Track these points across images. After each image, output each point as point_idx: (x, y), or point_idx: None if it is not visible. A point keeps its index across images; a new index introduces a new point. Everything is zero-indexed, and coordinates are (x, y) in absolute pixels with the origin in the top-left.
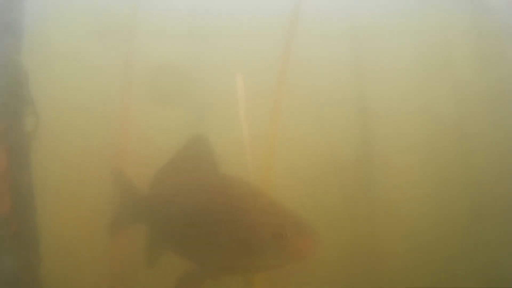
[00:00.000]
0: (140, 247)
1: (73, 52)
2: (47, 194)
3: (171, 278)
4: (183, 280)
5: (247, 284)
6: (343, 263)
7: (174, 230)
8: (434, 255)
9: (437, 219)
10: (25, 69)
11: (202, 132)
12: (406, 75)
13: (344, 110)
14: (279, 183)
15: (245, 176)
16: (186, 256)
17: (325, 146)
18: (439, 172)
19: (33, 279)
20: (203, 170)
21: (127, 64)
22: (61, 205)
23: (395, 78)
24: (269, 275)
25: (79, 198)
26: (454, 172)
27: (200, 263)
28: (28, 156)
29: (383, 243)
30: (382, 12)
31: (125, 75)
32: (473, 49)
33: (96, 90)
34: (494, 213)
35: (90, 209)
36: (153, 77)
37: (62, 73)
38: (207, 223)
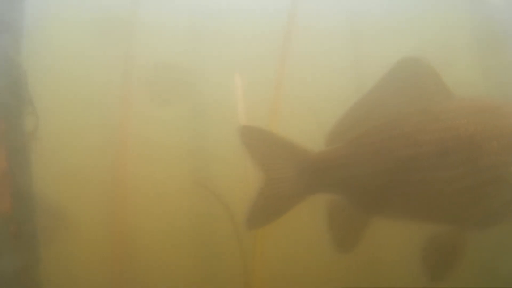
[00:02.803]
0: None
1: (73, 52)
2: (47, 194)
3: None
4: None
5: (247, 284)
6: (343, 264)
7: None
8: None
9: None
10: (25, 69)
11: (201, 131)
12: None
13: (344, 110)
14: None
15: (244, 177)
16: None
17: (324, 147)
18: None
19: (33, 279)
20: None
21: (127, 64)
22: (61, 205)
23: None
24: (269, 275)
25: (79, 198)
26: None
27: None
28: (28, 156)
29: (383, 243)
30: (382, 12)
31: (125, 75)
32: (473, 49)
33: (96, 89)
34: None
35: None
36: (153, 76)
37: (62, 73)
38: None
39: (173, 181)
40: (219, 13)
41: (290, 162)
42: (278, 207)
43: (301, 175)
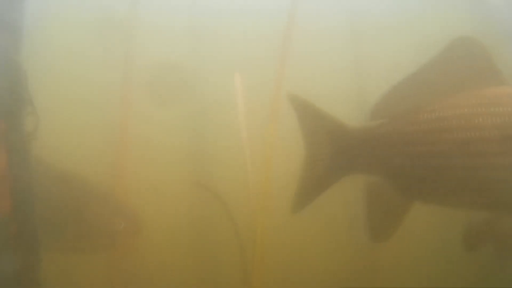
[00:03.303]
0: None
1: (73, 52)
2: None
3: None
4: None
5: (246, 284)
6: (343, 265)
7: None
8: (434, 257)
9: (437, 221)
10: (25, 69)
11: (200, 130)
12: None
13: (344, 110)
14: (278, 183)
15: (244, 177)
16: (449, 204)
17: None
18: None
19: (33, 279)
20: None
21: (127, 64)
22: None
23: (395, 78)
24: (268, 275)
25: None
26: None
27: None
28: (28, 156)
29: (383, 244)
30: (382, 11)
31: (125, 75)
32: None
33: (96, 90)
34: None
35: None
36: (152, 76)
37: (62, 73)
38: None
39: (173, 182)
40: (219, 13)
41: (327, 137)
42: (314, 186)
43: (337, 152)
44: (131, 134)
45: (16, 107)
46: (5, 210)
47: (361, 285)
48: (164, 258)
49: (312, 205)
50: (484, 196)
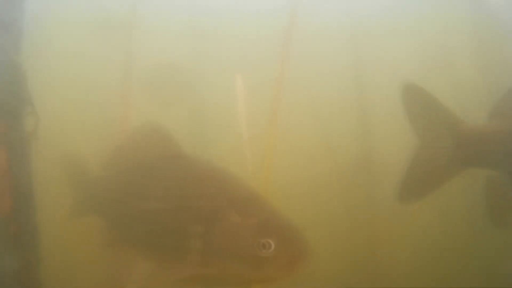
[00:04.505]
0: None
1: (73, 52)
2: (47, 194)
3: None
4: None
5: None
6: (343, 266)
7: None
8: (434, 258)
9: (438, 221)
10: (25, 69)
11: (200, 131)
12: (406, 75)
13: (343, 111)
14: (278, 184)
15: (244, 177)
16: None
17: (324, 147)
18: None
19: (33, 279)
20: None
21: (127, 64)
22: (61, 205)
23: (395, 79)
24: None
25: None
26: None
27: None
28: (28, 156)
29: (383, 246)
30: (382, 12)
31: (125, 75)
32: (473, 49)
33: (96, 90)
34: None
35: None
36: (152, 77)
37: (62, 73)
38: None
39: None
40: (219, 14)
41: (448, 131)
42: (431, 179)
43: (459, 146)
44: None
45: (16, 107)
46: (5, 210)
47: (361, 279)
48: None
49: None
50: None
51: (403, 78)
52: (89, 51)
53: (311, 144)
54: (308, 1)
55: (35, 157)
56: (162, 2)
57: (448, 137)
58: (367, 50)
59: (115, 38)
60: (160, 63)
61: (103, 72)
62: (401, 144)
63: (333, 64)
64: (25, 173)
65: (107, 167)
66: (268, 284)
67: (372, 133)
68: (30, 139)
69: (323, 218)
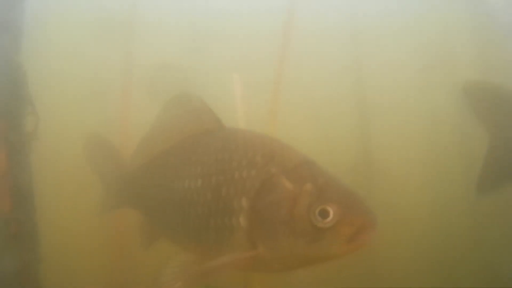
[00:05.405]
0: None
1: (73, 52)
2: (47, 194)
3: None
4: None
5: (247, 284)
6: (344, 267)
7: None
8: (435, 259)
9: (438, 223)
10: (25, 69)
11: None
12: (406, 76)
13: (343, 111)
14: None
15: None
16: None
17: (323, 147)
18: (439, 175)
19: (33, 279)
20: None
21: (126, 64)
22: (61, 205)
23: (395, 78)
24: (268, 275)
25: (79, 198)
26: (455, 175)
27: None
28: (28, 156)
29: (383, 247)
30: (382, 12)
31: (124, 75)
32: (473, 49)
33: (96, 90)
34: (494, 214)
35: (90, 209)
36: (152, 76)
37: (62, 73)
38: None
39: None
40: (219, 14)
41: None
42: (508, 169)
43: None
44: (131, 134)
45: (16, 107)
46: (5, 210)
47: (361, 279)
48: (162, 257)
49: None
50: None
51: (403, 79)
52: (89, 51)
53: (310, 144)
54: (307, 1)
55: (35, 157)
56: (162, 2)
57: None
58: (366, 50)
59: (115, 38)
60: (160, 63)
61: (103, 71)
62: (401, 144)
63: (332, 64)
64: (25, 173)
65: (138, 156)
66: (327, 261)
67: (372, 133)
68: (30, 139)
69: None
